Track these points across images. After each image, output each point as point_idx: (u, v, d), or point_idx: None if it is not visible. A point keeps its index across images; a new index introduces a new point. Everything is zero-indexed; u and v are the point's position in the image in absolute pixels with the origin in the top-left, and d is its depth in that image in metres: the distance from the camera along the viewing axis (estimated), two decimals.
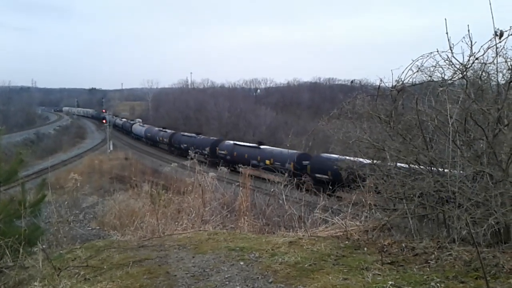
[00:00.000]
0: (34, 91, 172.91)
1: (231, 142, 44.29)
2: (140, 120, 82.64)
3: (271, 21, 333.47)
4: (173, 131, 59.14)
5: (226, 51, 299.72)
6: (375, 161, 5.57)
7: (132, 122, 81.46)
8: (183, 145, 51.45)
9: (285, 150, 34.82)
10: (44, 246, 6.30)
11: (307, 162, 31.94)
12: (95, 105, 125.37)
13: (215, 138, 48.94)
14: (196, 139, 50.13)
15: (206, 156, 37.06)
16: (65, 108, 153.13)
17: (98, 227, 13.93)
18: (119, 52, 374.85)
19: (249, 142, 44.33)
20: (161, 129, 63.93)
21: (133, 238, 7.25)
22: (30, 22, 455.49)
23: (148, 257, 4.82)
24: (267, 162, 34.27)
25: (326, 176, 24.88)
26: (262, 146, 39.86)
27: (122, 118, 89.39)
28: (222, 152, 42.13)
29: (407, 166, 5.11)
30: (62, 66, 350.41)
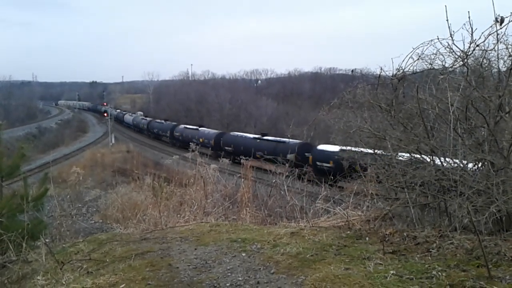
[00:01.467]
0: (35, 85, 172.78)
1: (183, 126, 54.70)
2: (141, 112, 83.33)
3: (271, 11, 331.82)
4: (150, 119, 69.07)
5: (227, 42, 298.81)
6: (376, 150, 5.56)
7: (124, 113, 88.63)
8: (155, 130, 63.85)
9: (211, 131, 47.75)
10: (47, 240, 6.33)
11: (222, 138, 43.03)
12: (96, 98, 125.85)
13: (174, 123, 59.06)
14: (163, 125, 60.95)
15: (168, 137, 56.80)
16: (60, 102, 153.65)
17: (101, 220, 14.02)
18: (119, 45, 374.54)
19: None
20: (143, 117, 73.93)
21: (135, 231, 7.27)
22: (31, 16, 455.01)
23: (150, 249, 4.83)
24: (201, 140, 45.15)
25: (230, 148, 38.40)
26: (200, 128, 50.34)
27: (116, 109, 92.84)
28: (177, 134, 54.00)
29: (408, 155, 5.09)
30: (62, 60, 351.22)
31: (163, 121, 62.94)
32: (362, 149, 5.61)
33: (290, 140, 29.35)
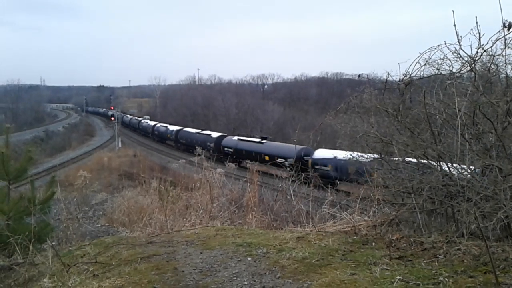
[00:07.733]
0: (43, 89, 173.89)
1: (160, 124, 67.98)
2: (148, 117, 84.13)
3: (278, 17, 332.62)
4: (139, 120, 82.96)
5: (233, 47, 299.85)
6: (383, 156, 5.54)
7: (152, 122, 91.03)
8: (142, 127, 78.02)
9: (173, 128, 59.74)
10: (53, 243, 6.37)
11: (180, 136, 55.52)
12: (103, 102, 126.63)
13: (155, 122, 71.67)
14: (155, 126, 70.75)
15: (150, 135, 70.80)
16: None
17: (107, 224, 14.05)
18: (126, 49, 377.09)
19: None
20: (133, 117, 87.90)
21: (141, 235, 7.28)
22: (39, 21, 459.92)
23: (156, 253, 4.84)
24: (168, 136, 61.28)
25: (184, 141, 52.88)
26: (169, 127, 62.57)
27: (136, 117, 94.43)
28: (156, 132, 68.08)
29: (415, 160, 5.07)
30: (70, 64, 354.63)
31: (149, 121, 74.01)
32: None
33: (212, 133, 49.34)
